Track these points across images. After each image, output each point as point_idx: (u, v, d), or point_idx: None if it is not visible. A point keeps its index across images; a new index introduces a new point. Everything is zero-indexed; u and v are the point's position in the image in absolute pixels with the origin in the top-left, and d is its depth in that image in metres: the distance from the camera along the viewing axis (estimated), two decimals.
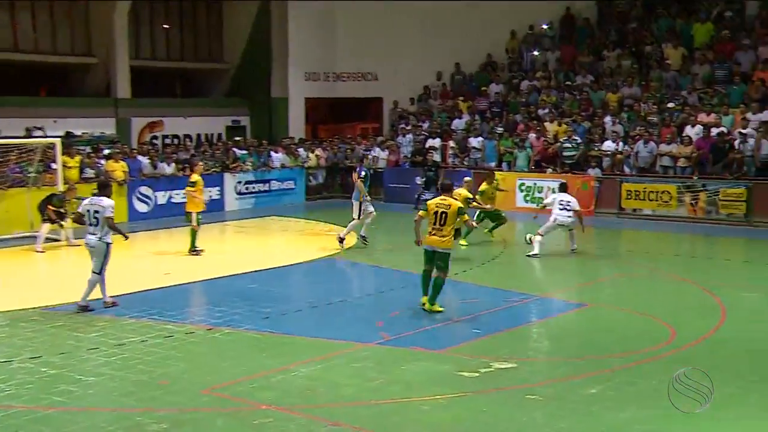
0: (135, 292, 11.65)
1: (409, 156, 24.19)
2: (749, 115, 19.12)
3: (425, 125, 25.20)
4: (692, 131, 19.50)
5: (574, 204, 14.84)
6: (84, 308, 10.64)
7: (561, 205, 14.78)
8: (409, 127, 25.19)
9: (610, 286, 12.92)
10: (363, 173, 15.78)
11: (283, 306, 11.12)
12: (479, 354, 8.73)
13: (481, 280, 12.76)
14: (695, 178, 18.85)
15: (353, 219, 15.66)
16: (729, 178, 18.39)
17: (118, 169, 19.69)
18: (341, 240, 15.56)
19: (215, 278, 13.08)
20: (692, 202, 18.62)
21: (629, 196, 19.58)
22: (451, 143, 23.54)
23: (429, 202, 10.79)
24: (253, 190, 23.12)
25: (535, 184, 20.81)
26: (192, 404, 7.36)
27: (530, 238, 14.63)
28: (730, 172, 18.57)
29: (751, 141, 18.41)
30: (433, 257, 10.48)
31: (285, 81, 27.48)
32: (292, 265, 14.41)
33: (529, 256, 14.34)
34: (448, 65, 27.09)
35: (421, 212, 10.73)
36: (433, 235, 10.41)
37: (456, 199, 11.06)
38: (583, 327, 10.42)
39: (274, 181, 23.69)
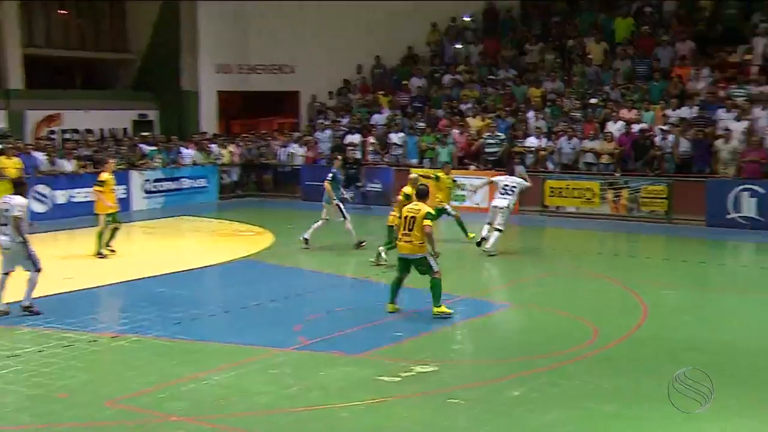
0: (31, 299, 11.22)
1: (328, 152, 24.16)
2: (669, 112, 19.87)
3: (344, 120, 25.20)
4: (614, 127, 20.13)
5: (521, 186, 15.13)
6: (28, 308, 10.46)
7: (503, 189, 15.08)
8: (327, 122, 25.16)
9: (533, 286, 13.22)
10: (330, 175, 15.67)
11: (194, 310, 10.96)
12: (400, 357, 8.80)
13: None
14: (617, 175, 19.46)
15: (344, 221, 15.49)
16: (650, 175, 19.07)
17: (11, 166, 18.92)
18: (360, 244, 15.37)
19: (121, 282, 12.80)
20: (615, 199, 19.24)
21: (553, 194, 20.06)
22: (371, 139, 23.62)
23: (403, 208, 10.89)
24: (162, 189, 22.69)
25: (454, 181, 21.03)
26: (94, 417, 7.17)
27: (487, 234, 14.81)
28: (650, 168, 19.26)
29: (671, 137, 19.14)
30: (406, 265, 10.55)
31: (195, 73, 27.07)
32: (204, 267, 14.23)
33: (490, 255, 14.58)
34: (367, 58, 27.15)
35: (396, 218, 10.70)
36: (403, 241, 10.46)
37: (427, 205, 10.81)
38: (506, 328, 10.64)
39: (184, 179, 23.31)
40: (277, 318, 10.68)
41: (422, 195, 10.80)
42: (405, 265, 10.59)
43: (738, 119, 18.55)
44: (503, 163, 20.85)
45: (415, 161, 22.62)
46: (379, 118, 24.58)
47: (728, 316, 10.84)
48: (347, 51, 26.85)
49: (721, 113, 19.06)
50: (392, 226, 13.35)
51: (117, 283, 12.78)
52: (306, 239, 15.46)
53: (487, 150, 21.31)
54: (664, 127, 19.35)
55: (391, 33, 26.71)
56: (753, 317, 10.85)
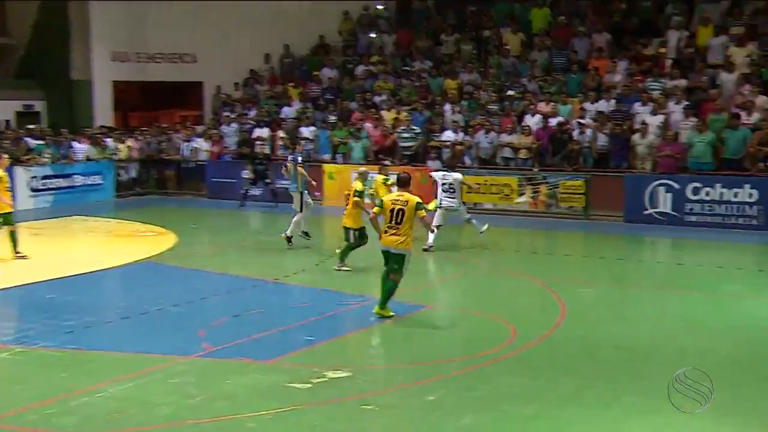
0: None
1: (234, 147, 23.88)
2: (587, 105, 20.41)
3: (251, 113, 24.96)
4: (532, 121, 20.54)
5: (457, 181, 15.41)
6: None
7: (444, 186, 15.24)
8: (233, 116, 24.87)
9: (450, 286, 13.37)
10: (300, 159, 15.87)
11: (88, 318, 10.64)
12: (311, 363, 8.75)
13: (313, 282, 12.81)
14: (536, 170, 19.87)
15: (296, 213, 15.42)
16: (568, 170, 19.54)
17: None
18: (289, 239, 15.26)
19: (3, 289, 12.32)
20: (533, 195, 19.64)
21: (470, 190, 20.30)
22: (281, 133, 23.45)
23: (384, 199, 10.75)
24: (52, 187, 22.12)
25: (372, 177, 21.09)
26: None
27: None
28: (568, 163, 19.74)
29: (589, 132, 19.66)
30: (389, 258, 10.49)
31: (88, 61, 26.34)
32: (100, 270, 13.88)
33: (425, 249, 14.81)
34: (276, 47, 26.96)
35: (375, 209, 10.68)
36: (389, 234, 10.38)
37: (412, 194, 10.69)
38: (422, 330, 10.69)
39: (77, 176, 22.76)
40: (180, 323, 10.48)
41: (404, 183, 10.72)
42: (388, 258, 10.58)
43: (654, 113, 19.20)
44: (419, 158, 21.05)
45: (327, 156, 22.60)
46: (288, 111, 24.44)
47: (646, 313, 11.20)
48: (254, 39, 26.61)
49: (638, 107, 19.68)
50: (348, 228, 13.30)
51: None
52: (302, 233, 15.42)
53: (402, 144, 21.44)
54: (582, 121, 19.86)
55: (301, 20, 26.61)
56: (670, 313, 11.24)
